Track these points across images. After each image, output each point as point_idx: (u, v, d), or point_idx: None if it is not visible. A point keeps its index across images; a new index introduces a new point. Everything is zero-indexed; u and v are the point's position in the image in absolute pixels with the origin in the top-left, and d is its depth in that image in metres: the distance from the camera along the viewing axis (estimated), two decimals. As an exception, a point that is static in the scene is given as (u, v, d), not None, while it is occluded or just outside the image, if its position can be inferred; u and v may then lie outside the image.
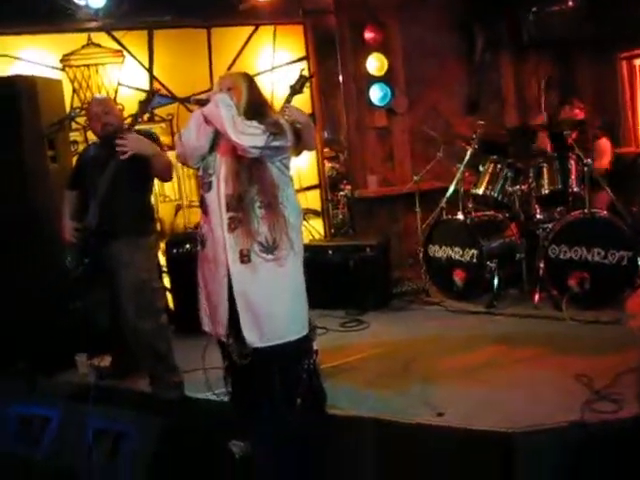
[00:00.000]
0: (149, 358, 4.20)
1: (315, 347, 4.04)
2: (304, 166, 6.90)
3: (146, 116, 4.16)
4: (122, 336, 4.26)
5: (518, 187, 6.04)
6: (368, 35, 7.25)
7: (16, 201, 4.80)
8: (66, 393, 4.30)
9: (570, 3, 6.96)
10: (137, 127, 4.08)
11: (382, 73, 7.32)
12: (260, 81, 6.00)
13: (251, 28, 6.69)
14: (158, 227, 6.31)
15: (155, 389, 4.26)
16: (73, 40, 6.12)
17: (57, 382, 4.73)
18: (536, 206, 5.94)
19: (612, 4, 6.70)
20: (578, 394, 3.80)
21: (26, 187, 4.88)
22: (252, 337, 3.21)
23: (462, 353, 4.80)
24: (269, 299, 3.21)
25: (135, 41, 6.31)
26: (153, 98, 4.18)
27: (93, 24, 6.09)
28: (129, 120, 4.11)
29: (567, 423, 3.41)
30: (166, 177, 4.28)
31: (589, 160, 5.59)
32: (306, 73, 3.88)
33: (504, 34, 7.57)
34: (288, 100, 3.80)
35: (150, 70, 6.34)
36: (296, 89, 3.80)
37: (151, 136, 4.21)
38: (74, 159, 4.97)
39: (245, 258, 3.17)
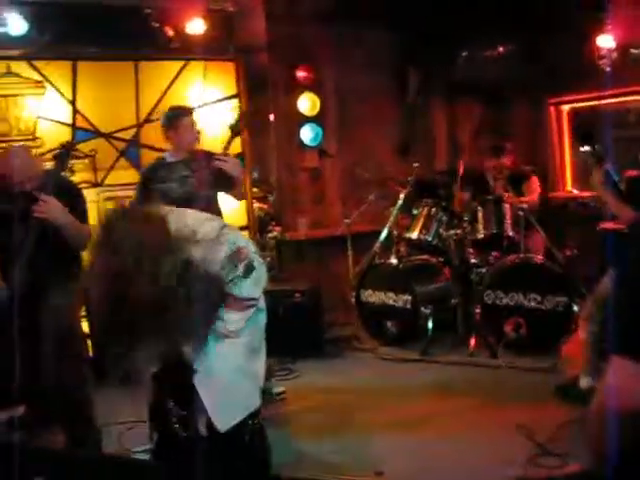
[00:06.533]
0: (66, 410, 3.86)
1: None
2: (232, 207, 6.65)
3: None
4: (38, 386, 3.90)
5: (453, 231, 5.94)
6: (300, 74, 7.14)
7: None
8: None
9: (500, 49, 7.03)
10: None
11: (314, 113, 7.22)
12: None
13: (181, 63, 6.46)
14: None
15: (70, 444, 3.92)
16: (-10, 68, 5.78)
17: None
18: (470, 250, 5.84)
19: (541, 50, 6.77)
20: (519, 447, 3.68)
21: None
22: None
23: (398, 404, 4.62)
24: None
25: (58, 72, 5.96)
26: (69, 154, 3.84)
27: (13, 52, 5.76)
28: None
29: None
30: (79, 247, 3.79)
31: (524, 205, 5.58)
32: (241, 110, 3.84)
33: (436, 77, 7.58)
34: (229, 142, 3.72)
35: (73, 103, 6.03)
36: (236, 130, 3.81)
37: (72, 190, 3.92)
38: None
39: None
